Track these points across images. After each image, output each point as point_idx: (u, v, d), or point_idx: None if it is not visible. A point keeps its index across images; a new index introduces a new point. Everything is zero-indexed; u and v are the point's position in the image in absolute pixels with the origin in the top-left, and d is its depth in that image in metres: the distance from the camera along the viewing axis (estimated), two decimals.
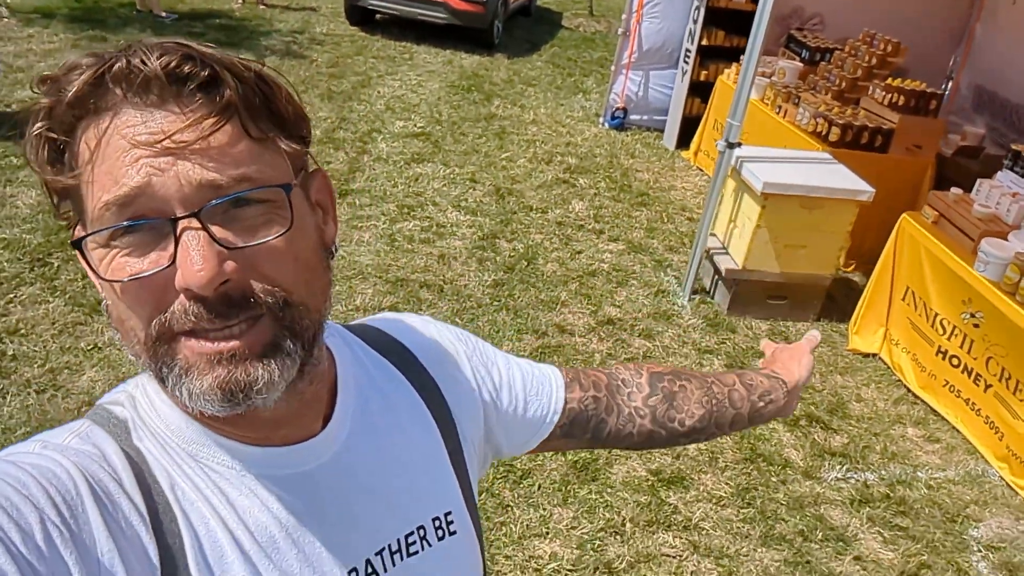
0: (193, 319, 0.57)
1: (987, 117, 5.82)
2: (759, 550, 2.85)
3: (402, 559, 0.74)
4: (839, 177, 4.24)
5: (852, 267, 5.04)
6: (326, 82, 7.13)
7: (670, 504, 3.00)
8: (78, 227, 0.60)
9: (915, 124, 5.05)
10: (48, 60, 6.71)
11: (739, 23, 6.13)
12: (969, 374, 3.62)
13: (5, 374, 3.15)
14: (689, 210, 5.55)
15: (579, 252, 4.76)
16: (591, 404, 1.01)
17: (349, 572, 0.70)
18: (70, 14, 8.05)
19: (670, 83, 6.91)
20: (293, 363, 0.61)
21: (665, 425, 1.05)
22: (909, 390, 3.89)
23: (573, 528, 2.83)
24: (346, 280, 4.13)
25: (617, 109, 6.92)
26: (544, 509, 2.89)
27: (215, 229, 0.56)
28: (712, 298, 4.46)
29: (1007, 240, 3.64)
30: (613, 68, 6.93)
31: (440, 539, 0.78)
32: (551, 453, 3.17)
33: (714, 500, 3.05)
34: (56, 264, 3.93)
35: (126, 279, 0.57)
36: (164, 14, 8.39)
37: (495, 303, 4.12)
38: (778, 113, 5.53)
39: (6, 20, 7.64)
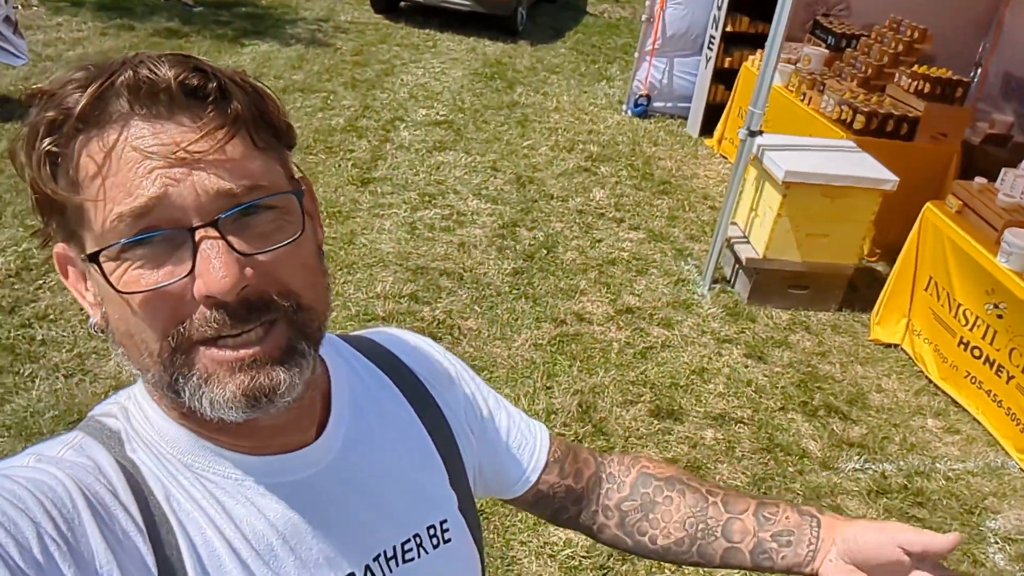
0: (215, 326, 0.57)
1: (1016, 104, 5.72)
2: None
3: (398, 565, 0.75)
4: (862, 166, 4.20)
5: (876, 257, 4.99)
6: (350, 70, 7.17)
7: None
8: (86, 241, 0.59)
9: (941, 112, 4.98)
10: (76, 49, 6.82)
11: (764, 9, 6.04)
12: (991, 365, 3.59)
13: (34, 358, 3.24)
14: (711, 198, 5.53)
15: (599, 241, 4.76)
16: (561, 492, 0.98)
17: None
18: (98, 2, 8.16)
19: (694, 70, 6.86)
20: (308, 364, 0.63)
21: (632, 535, 0.97)
22: (930, 381, 3.87)
23: None
24: (367, 268, 4.18)
25: (640, 96, 6.89)
26: None
27: (231, 237, 0.57)
28: (732, 287, 4.45)
29: None
30: (636, 55, 6.89)
31: (435, 547, 0.79)
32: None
33: None
34: None
35: (145, 290, 0.57)
36: (191, 2, 8.47)
37: (514, 291, 4.15)
38: (803, 100, 5.48)
39: (35, 8, 7.76)
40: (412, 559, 0.76)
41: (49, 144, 0.56)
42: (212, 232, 0.56)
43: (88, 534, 0.56)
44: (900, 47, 5.42)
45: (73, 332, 3.43)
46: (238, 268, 0.57)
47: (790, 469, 3.19)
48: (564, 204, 5.17)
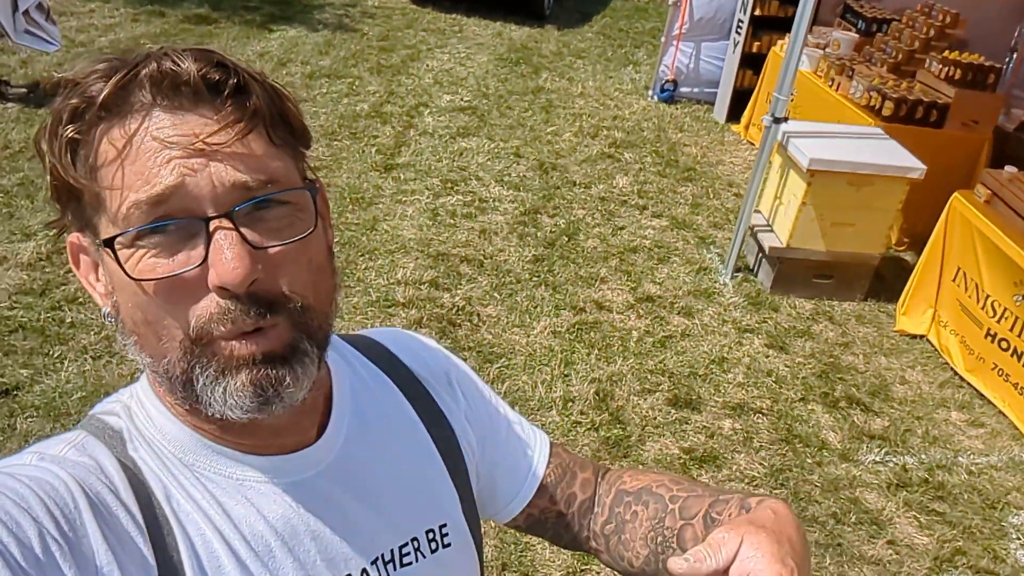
0: (230, 319, 0.58)
1: None
2: None
3: (396, 569, 0.75)
4: (890, 153, 4.13)
5: (904, 246, 4.91)
6: (376, 56, 7.18)
7: (702, 483, 3.01)
8: (101, 227, 0.60)
9: (972, 99, 4.87)
10: (108, 35, 6.91)
11: None
12: (1019, 358, 3.52)
13: (63, 340, 3.30)
14: (736, 186, 5.46)
15: (621, 228, 4.74)
16: (553, 518, 0.95)
17: None
18: None
19: (722, 55, 6.77)
20: (312, 363, 0.63)
21: (616, 561, 0.93)
22: (956, 373, 3.81)
23: None
24: (388, 254, 4.21)
25: (667, 82, 6.82)
26: None
27: (244, 230, 0.58)
28: (755, 276, 4.41)
29: None
30: (663, 39, 6.81)
31: (433, 551, 0.79)
32: (584, 427, 3.22)
33: (747, 480, 3.05)
34: None
35: (159, 278, 0.58)
36: None
37: (534, 278, 4.15)
38: (831, 86, 5.38)
39: None
40: (410, 563, 0.76)
41: (71, 131, 0.57)
42: (226, 223, 0.57)
43: (89, 533, 0.57)
44: (931, 32, 5.31)
45: (101, 315, 3.48)
46: (250, 260, 0.57)
47: (808, 460, 3.17)
48: (587, 191, 5.15)
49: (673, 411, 3.36)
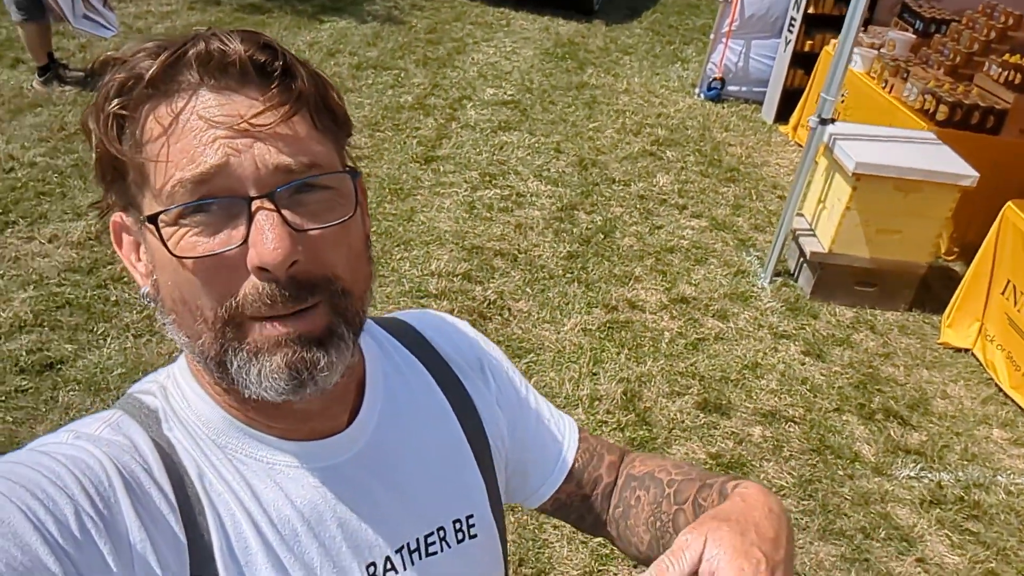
0: (268, 301, 0.59)
1: None
2: (816, 543, 2.79)
3: (421, 558, 0.75)
4: (941, 159, 3.98)
5: (954, 256, 4.75)
6: (423, 48, 7.21)
7: None
8: (144, 204, 0.61)
9: None
10: (165, 22, 7.06)
11: None
12: None
13: (107, 318, 3.40)
14: (781, 188, 5.35)
15: (659, 227, 4.68)
16: (578, 501, 0.96)
17: (367, 567, 0.71)
18: None
19: (772, 53, 6.61)
20: (347, 348, 0.64)
21: (627, 547, 0.93)
22: (1000, 389, 3.67)
23: None
24: (424, 245, 4.22)
25: (714, 80, 6.70)
26: None
27: (285, 212, 0.58)
28: (795, 281, 4.31)
29: None
30: (712, 36, 6.69)
31: (460, 541, 0.79)
32: (610, 427, 3.19)
33: (774, 489, 2.99)
34: None
35: (200, 256, 0.58)
36: None
37: (567, 275, 4.12)
38: (884, 88, 5.22)
39: None
40: (435, 553, 0.76)
41: (117, 105, 0.58)
42: (268, 204, 0.58)
43: (123, 511, 0.58)
44: (993, 34, 5.10)
45: (140, 295, 3.58)
46: (290, 242, 0.57)
47: (839, 472, 3.09)
48: (626, 188, 5.09)
49: (702, 415, 3.31)
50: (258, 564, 0.65)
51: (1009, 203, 3.85)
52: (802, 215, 4.40)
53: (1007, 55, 4.80)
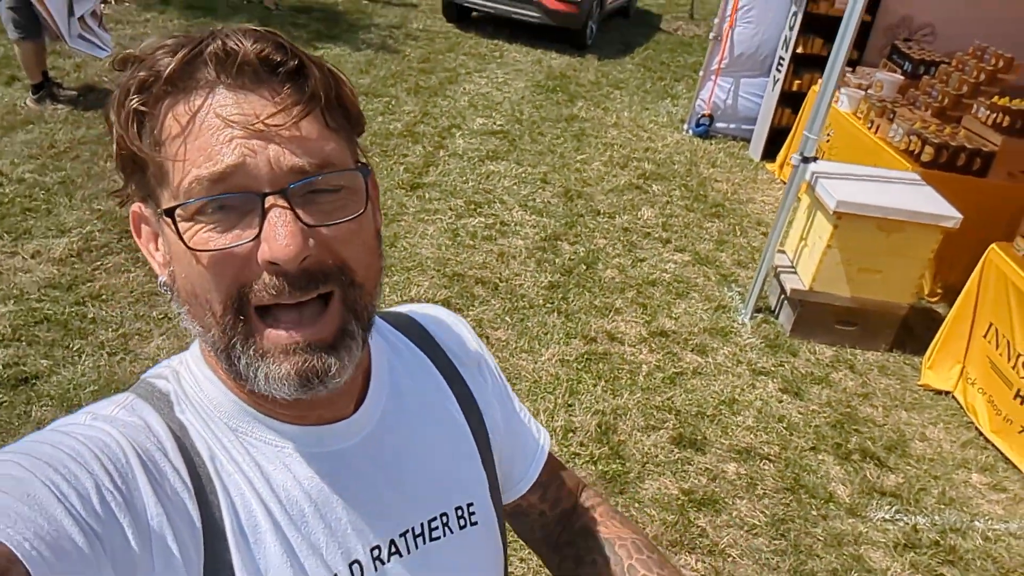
0: (274, 293, 0.60)
1: None
2: None
3: (424, 543, 0.76)
4: (924, 200, 3.98)
5: (937, 297, 4.73)
6: (415, 77, 7.26)
7: (698, 526, 2.90)
8: (163, 198, 0.62)
9: (1020, 148, 4.68)
10: None
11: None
12: None
13: (83, 335, 3.37)
14: (765, 225, 5.34)
15: (641, 260, 4.66)
16: (535, 514, 0.99)
17: (372, 549, 0.72)
18: (185, 1, 8.50)
19: (760, 91, 6.67)
20: (358, 346, 0.66)
21: None
22: (980, 433, 3.62)
23: None
24: (405, 271, 4.19)
25: (703, 116, 6.74)
26: None
27: (298, 210, 0.60)
28: (776, 318, 4.28)
29: None
30: (702, 73, 6.75)
31: (461, 528, 0.80)
32: (582, 459, 3.13)
33: (746, 527, 2.93)
34: None
35: (214, 250, 0.60)
36: (274, 5, 8.73)
37: (548, 305, 4.09)
38: (870, 128, 5.25)
39: (127, 4, 8.14)
40: (438, 538, 0.78)
41: (137, 103, 0.60)
42: (281, 201, 0.59)
43: (140, 488, 0.60)
44: (982, 76, 5.13)
45: (121, 313, 3.56)
46: (302, 238, 0.59)
47: (813, 512, 3.03)
48: (611, 221, 5.08)
49: (676, 450, 3.25)
50: (267, 543, 0.66)
51: (992, 246, 3.84)
52: (784, 252, 4.38)
53: (996, 97, 4.81)
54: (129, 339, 3.42)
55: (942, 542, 2.96)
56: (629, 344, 3.89)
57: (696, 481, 3.11)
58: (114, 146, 0.63)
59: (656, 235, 4.99)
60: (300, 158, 0.60)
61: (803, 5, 6.01)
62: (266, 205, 0.59)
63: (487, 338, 3.74)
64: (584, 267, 4.49)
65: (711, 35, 6.67)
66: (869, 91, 5.59)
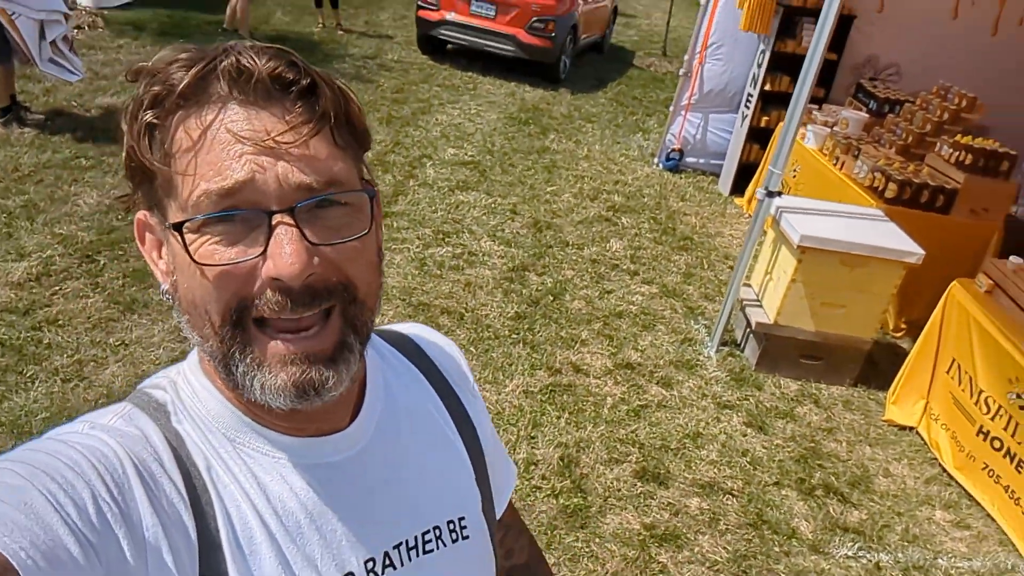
0: (276, 309, 0.61)
1: None
2: None
3: (418, 555, 0.76)
4: (887, 236, 4.01)
5: (902, 332, 4.76)
6: (388, 107, 7.27)
7: (659, 562, 2.84)
8: (170, 209, 0.63)
9: (982, 185, 4.74)
10: None
11: None
12: (1011, 459, 3.34)
13: (37, 360, 3.29)
14: (733, 258, 5.36)
15: (609, 292, 4.65)
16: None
17: (366, 562, 0.72)
18: (160, 28, 8.49)
19: (730, 127, 6.75)
20: (355, 360, 0.66)
21: None
22: (944, 470, 3.61)
23: None
24: None
25: (673, 150, 6.80)
26: None
27: (304, 228, 0.60)
28: (742, 352, 4.27)
29: None
30: (672, 108, 6.82)
31: (454, 541, 0.80)
32: (543, 493, 3.07)
33: (707, 563, 2.88)
34: (103, 262, 4.08)
35: (218, 264, 0.60)
36: (248, 34, 8.74)
37: (513, 335, 4.05)
38: (835, 165, 5.31)
39: (100, 30, 8.11)
40: (432, 550, 0.78)
41: (150, 115, 0.61)
42: (288, 219, 0.60)
43: (137, 498, 0.60)
44: (946, 115, 5.22)
45: (77, 339, 3.47)
46: (307, 256, 0.60)
47: (775, 549, 2.99)
48: (579, 252, 5.07)
49: (639, 484, 3.20)
50: (263, 554, 0.66)
51: (955, 282, 3.87)
52: (750, 286, 4.39)
53: (959, 136, 4.88)
54: (84, 365, 3.34)
55: None
56: (594, 376, 3.85)
57: (658, 516, 3.06)
58: (124, 155, 0.64)
59: (624, 267, 4.98)
60: (308, 176, 0.61)
61: (771, 44, 6.11)
62: (273, 222, 0.60)
63: None
64: (551, 298, 4.46)
65: (681, 71, 6.76)
66: (835, 128, 5.67)
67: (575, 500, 3.06)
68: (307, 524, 0.69)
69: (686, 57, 6.70)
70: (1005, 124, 5.71)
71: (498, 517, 0.94)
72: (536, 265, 4.81)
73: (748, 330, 4.21)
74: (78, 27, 7.96)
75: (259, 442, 0.70)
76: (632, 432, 3.49)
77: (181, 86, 0.59)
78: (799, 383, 4.09)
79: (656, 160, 6.94)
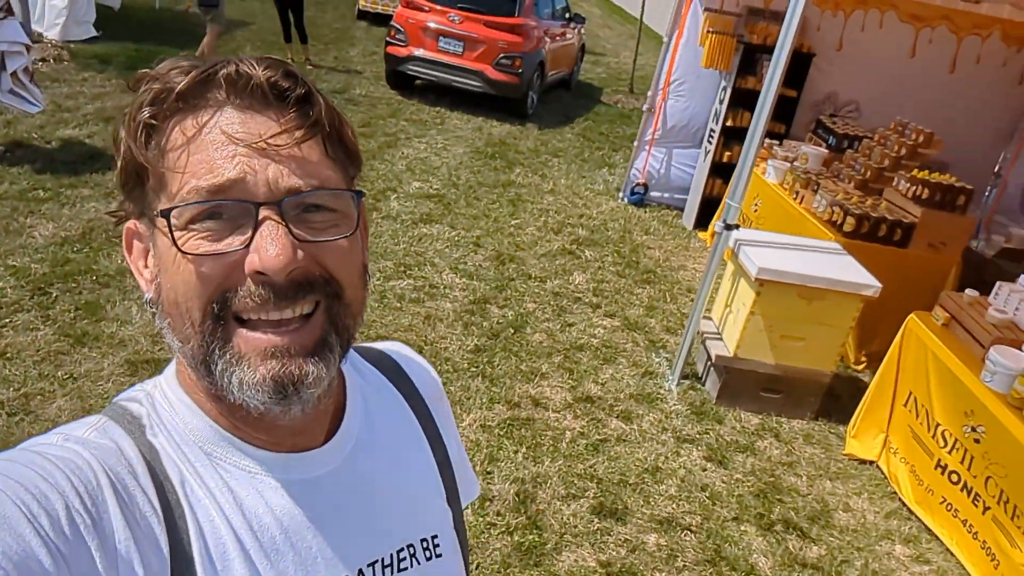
0: (258, 302, 0.61)
1: None
2: None
3: (393, 573, 0.76)
4: (844, 269, 4.04)
5: (863, 365, 4.77)
6: None
7: None
8: (159, 203, 0.63)
9: (939, 220, 4.81)
10: (95, 103, 6.98)
11: None
12: (968, 493, 3.32)
13: None
14: (695, 291, 5.35)
15: (570, 325, 4.61)
16: None
17: None
18: (127, 61, 8.43)
19: (693, 162, 6.82)
20: (335, 361, 0.66)
21: None
22: (904, 504, 3.59)
23: None
24: None
25: (637, 185, 6.84)
26: None
27: (291, 225, 0.62)
28: (703, 385, 4.24)
29: (1021, 350, 3.37)
30: (636, 143, 6.88)
31: (428, 559, 0.80)
32: (498, 530, 2.99)
33: None
34: (55, 294, 3.98)
35: (203, 254, 0.61)
36: None
37: (472, 369, 3.99)
38: (795, 199, 5.37)
39: (66, 63, 8.03)
40: (406, 568, 0.77)
41: (148, 114, 0.62)
42: (274, 215, 0.61)
43: (110, 511, 0.59)
44: (903, 150, 5.31)
45: (25, 372, 3.37)
46: (292, 251, 0.60)
47: None
48: (541, 285, 5.05)
49: (597, 520, 3.14)
50: (235, 570, 0.65)
51: (912, 315, 3.90)
52: (711, 318, 4.39)
53: (916, 171, 4.96)
54: (31, 399, 3.23)
55: None
56: (553, 410, 3.80)
57: (615, 553, 2.99)
58: (119, 160, 0.64)
59: (587, 300, 4.96)
60: (299, 179, 0.62)
61: (732, 80, 6.21)
62: (259, 217, 0.60)
63: None
64: (512, 331, 4.42)
65: (644, 107, 6.84)
66: (795, 163, 5.75)
67: (530, 537, 2.99)
68: (282, 540, 0.68)
69: (649, 93, 6.78)
70: (962, 160, 5.85)
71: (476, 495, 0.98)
72: (498, 298, 4.77)
73: (709, 363, 4.19)
74: (43, 59, 7.89)
75: (236, 456, 0.69)
76: (590, 467, 3.44)
77: (180, 87, 0.61)
78: (760, 416, 4.07)
79: (621, 194, 6.97)
